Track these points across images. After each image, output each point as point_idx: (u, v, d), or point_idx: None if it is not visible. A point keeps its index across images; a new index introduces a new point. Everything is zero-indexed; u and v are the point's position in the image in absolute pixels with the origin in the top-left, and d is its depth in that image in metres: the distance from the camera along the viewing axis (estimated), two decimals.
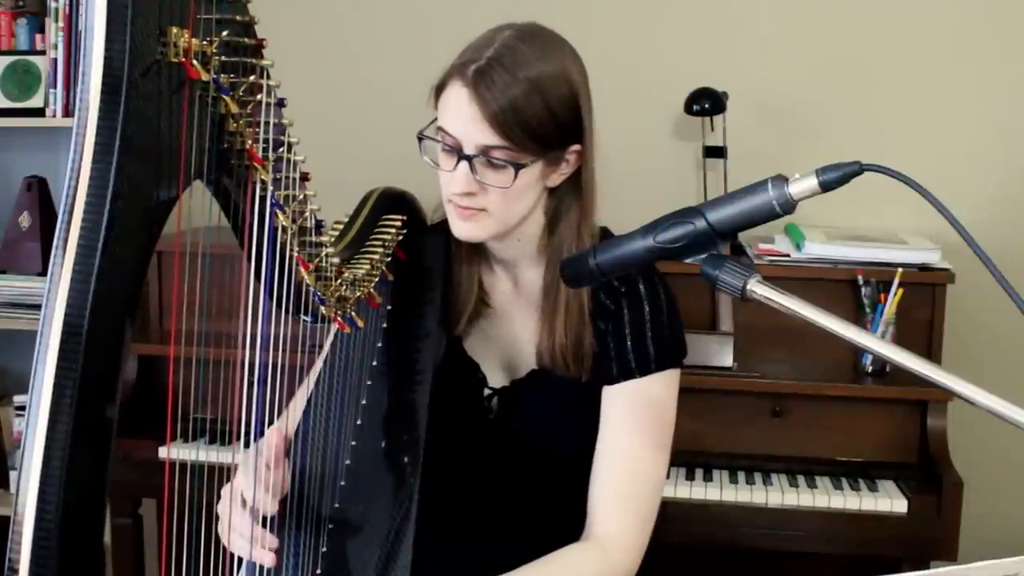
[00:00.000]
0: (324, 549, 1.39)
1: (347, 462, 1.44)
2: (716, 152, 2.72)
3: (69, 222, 0.95)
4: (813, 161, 1.07)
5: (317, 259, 1.29)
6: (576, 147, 1.41)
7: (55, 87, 2.84)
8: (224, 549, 1.31)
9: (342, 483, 1.43)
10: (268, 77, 1.13)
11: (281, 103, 1.16)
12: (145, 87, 0.98)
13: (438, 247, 1.52)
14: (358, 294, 1.38)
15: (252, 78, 1.11)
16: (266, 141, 1.15)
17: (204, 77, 1.04)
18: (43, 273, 2.87)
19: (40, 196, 2.93)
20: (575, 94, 1.38)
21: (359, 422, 1.46)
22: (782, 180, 1.04)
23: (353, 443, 1.45)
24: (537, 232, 1.48)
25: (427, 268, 1.52)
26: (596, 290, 1.47)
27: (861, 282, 2.40)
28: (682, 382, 1.50)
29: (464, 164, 1.36)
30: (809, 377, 2.38)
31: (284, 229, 1.23)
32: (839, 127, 2.80)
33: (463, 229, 1.41)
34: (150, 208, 1.01)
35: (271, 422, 1.27)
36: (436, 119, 1.40)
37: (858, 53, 2.79)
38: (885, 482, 2.32)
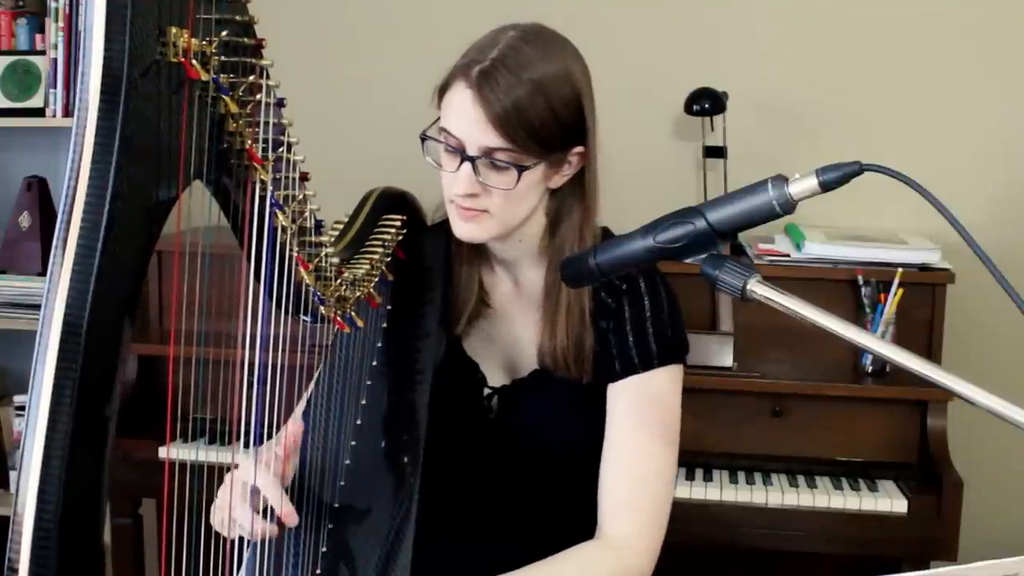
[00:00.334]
0: (324, 549, 1.39)
1: (347, 462, 1.44)
2: (716, 152, 2.72)
3: (69, 222, 0.95)
4: (813, 161, 1.07)
5: (317, 259, 1.29)
6: (579, 149, 1.41)
7: (55, 87, 2.84)
8: (224, 549, 1.30)
9: (342, 483, 1.42)
10: (267, 77, 1.13)
11: (280, 103, 1.16)
12: (145, 87, 0.97)
13: (438, 247, 1.52)
14: (358, 294, 1.38)
15: (251, 78, 1.11)
16: (265, 141, 1.15)
17: (203, 77, 1.04)
18: (43, 273, 2.87)
19: (40, 196, 2.93)
20: (578, 95, 1.38)
21: (359, 422, 1.46)
22: (782, 180, 1.04)
23: (353, 443, 1.45)
24: (538, 233, 1.48)
25: (427, 268, 1.52)
26: (597, 288, 1.46)
27: (861, 282, 2.40)
28: (683, 382, 1.50)
29: (467, 165, 1.36)
30: (809, 377, 2.38)
31: (284, 229, 1.23)
32: (839, 127, 2.80)
33: (464, 230, 1.41)
34: (150, 208, 1.01)
35: (271, 422, 1.27)
36: (439, 119, 1.40)
37: (858, 53, 2.79)
38: (885, 482, 2.32)
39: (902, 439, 2.36)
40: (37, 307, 2.72)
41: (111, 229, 0.96)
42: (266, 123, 1.14)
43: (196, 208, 1.12)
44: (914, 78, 2.78)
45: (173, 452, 2.26)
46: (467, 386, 1.53)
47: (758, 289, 1.04)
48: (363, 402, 1.47)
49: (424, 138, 1.41)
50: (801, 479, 2.33)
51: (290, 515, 1.29)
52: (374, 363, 1.49)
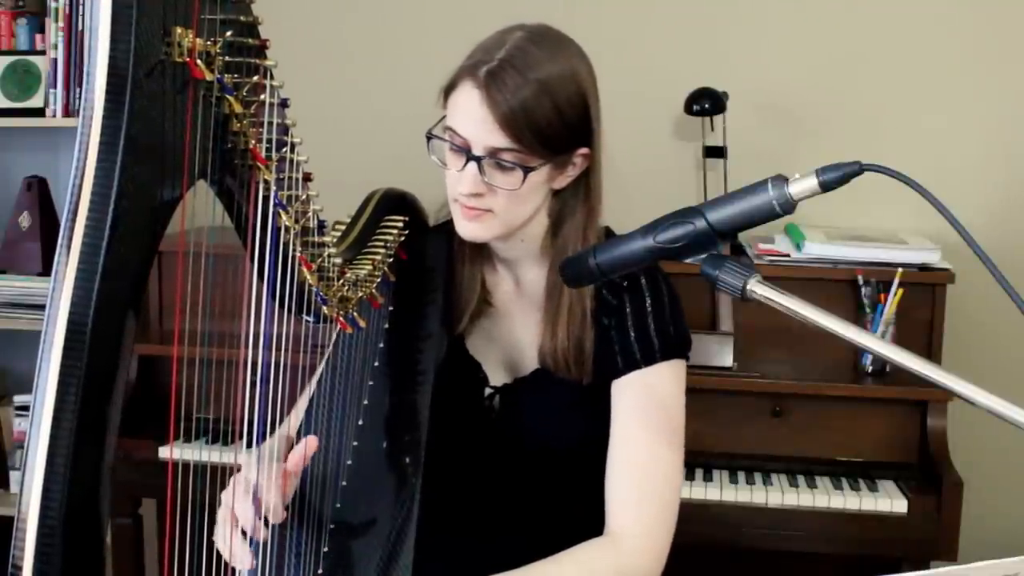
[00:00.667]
0: (326, 549, 1.39)
1: (349, 462, 1.44)
2: (716, 152, 2.73)
3: (73, 221, 0.95)
4: (813, 161, 1.08)
5: (320, 259, 1.30)
6: (583, 150, 1.42)
7: (55, 87, 2.84)
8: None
9: (344, 483, 1.43)
10: (272, 77, 1.13)
11: (284, 103, 1.16)
12: (149, 87, 0.98)
13: (440, 248, 1.53)
14: (360, 294, 1.39)
15: (256, 78, 1.11)
16: (269, 141, 1.16)
17: (208, 77, 1.04)
18: (43, 273, 2.88)
19: (40, 196, 2.93)
20: (584, 96, 1.39)
21: (361, 422, 1.46)
22: (782, 180, 1.05)
23: (355, 443, 1.45)
24: (541, 233, 1.48)
25: (429, 269, 1.53)
26: (599, 286, 1.47)
27: (861, 282, 2.40)
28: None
29: (472, 165, 1.36)
30: (809, 377, 2.39)
31: (287, 229, 1.23)
32: (839, 127, 2.80)
33: (468, 229, 1.42)
34: (154, 208, 1.01)
35: (273, 422, 1.27)
36: (443, 118, 1.40)
37: (858, 53, 2.80)
38: (885, 482, 2.32)
39: (902, 439, 2.36)
40: (37, 307, 2.76)
41: (116, 228, 0.96)
42: (270, 123, 1.14)
43: (200, 208, 1.12)
44: (914, 78, 2.78)
45: (174, 452, 2.26)
46: (469, 385, 1.53)
47: (758, 289, 1.04)
48: (365, 402, 1.47)
49: (430, 137, 1.41)
50: (801, 479, 2.33)
51: (277, 510, 1.28)
52: (376, 364, 1.49)
